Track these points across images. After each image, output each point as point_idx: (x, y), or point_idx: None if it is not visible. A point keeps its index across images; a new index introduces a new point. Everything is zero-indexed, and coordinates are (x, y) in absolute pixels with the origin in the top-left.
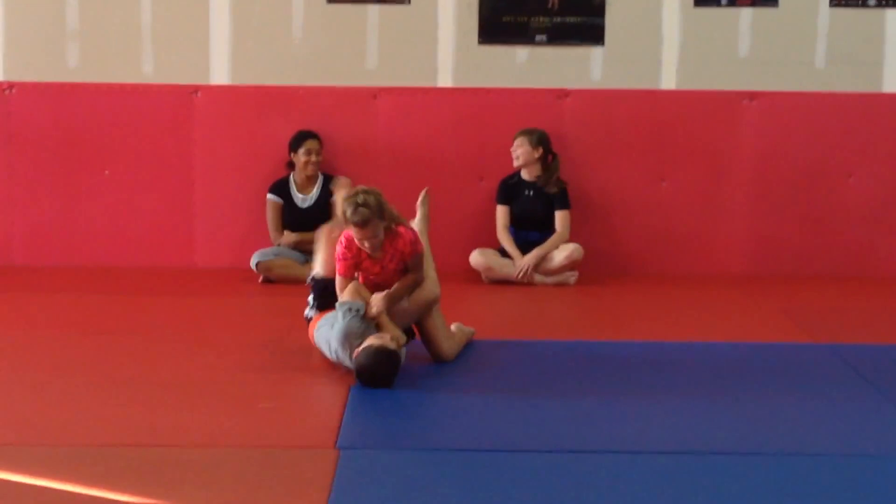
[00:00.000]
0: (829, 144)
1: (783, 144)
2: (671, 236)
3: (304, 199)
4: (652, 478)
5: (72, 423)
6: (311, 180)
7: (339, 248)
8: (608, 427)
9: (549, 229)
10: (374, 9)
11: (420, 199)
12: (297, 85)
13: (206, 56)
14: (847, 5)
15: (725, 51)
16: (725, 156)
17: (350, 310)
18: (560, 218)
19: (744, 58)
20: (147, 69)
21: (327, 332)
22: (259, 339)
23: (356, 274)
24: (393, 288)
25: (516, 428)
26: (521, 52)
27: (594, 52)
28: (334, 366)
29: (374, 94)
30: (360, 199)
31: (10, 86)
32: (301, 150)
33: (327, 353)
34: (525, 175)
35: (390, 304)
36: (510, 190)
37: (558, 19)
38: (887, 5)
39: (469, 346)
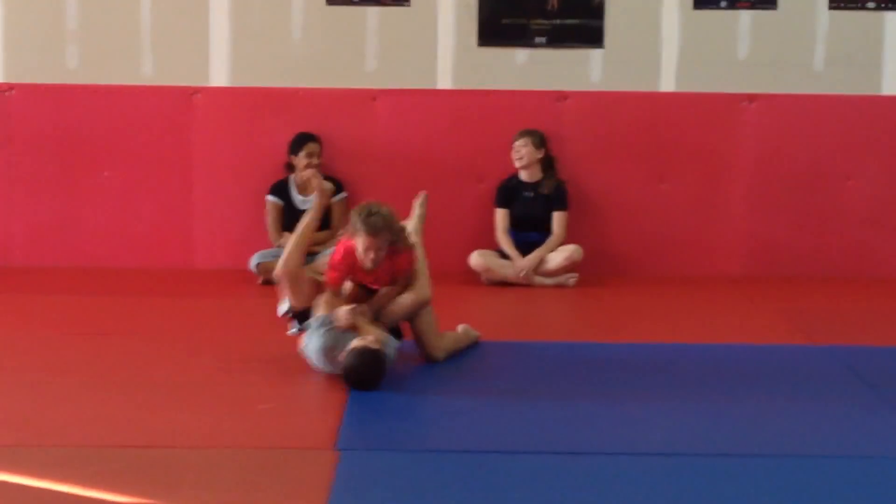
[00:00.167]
0: (828, 146)
1: (782, 146)
2: (670, 238)
3: (304, 200)
4: (650, 479)
5: (70, 424)
6: (310, 182)
7: (334, 257)
8: (607, 428)
9: (548, 230)
10: (373, 11)
11: (420, 200)
12: (296, 87)
13: (206, 58)
14: (846, 8)
15: (725, 53)
16: (724, 158)
17: (322, 324)
18: (557, 219)
19: (743, 60)
20: (146, 71)
21: (311, 345)
22: (258, 341)
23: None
24: (376, 297)
25: (515, 429)
26: (520, 54)
27: (593, 54)
28: None
29: (374, 95)
30: (375, 208)
31: (10, 87)
32: (302, 153)
33: (319, 366)
34: (525, 176)
35: (371, 312)
36: (509, 192)
37: (558, 21)
38: (886, 8)
39: (472, 348)
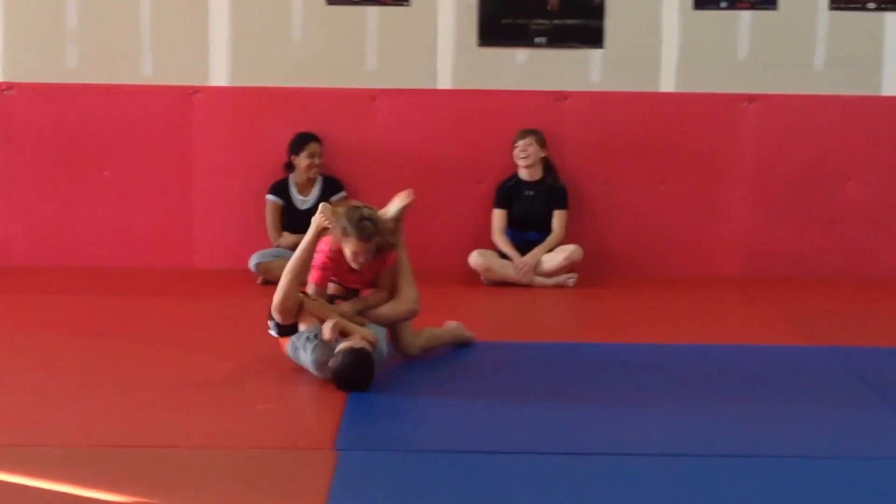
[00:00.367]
0: (828, 147)
1: (782, 147)
2: (670, 238)
3: (304, 200)
4: (649, 480)
5: (69, 424)
6: (310, 182)
7: (319, 257)
8: (606, 429)
9: (548, 229)
10: (373, 10)
11: (401, 198)
12: (296, 86)
13: (206, 57)
14: (846, 8)
15: (725, 53)
16: (724, 158)
17: (309, 339)
18: (558, 217)
19: (743, 60)
20: (146, 70)
21: (302, 356)
22: (258, 341)
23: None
24: (361, 299)
25: (514, 430)
26: (520, 54)
27: (593, 55)
28: None
29: (374, 95)
30: (366, 213)
31: (10, 86)
32: (303, 153)
33: (317, 375)
34: (525, 176)
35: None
36: (509, 192)
37: (558, 21)
38: (886, 8)
39: (461, 347)
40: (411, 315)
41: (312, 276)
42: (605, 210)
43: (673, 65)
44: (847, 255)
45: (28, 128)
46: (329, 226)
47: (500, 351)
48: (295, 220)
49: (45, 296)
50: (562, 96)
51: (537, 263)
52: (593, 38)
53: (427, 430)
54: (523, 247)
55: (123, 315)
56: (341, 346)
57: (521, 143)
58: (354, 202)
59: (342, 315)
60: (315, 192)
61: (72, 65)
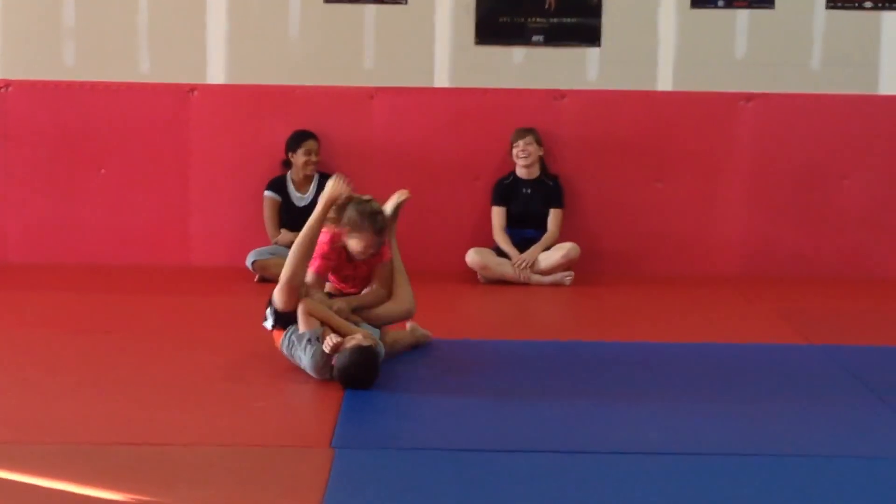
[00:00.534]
0: (826, 146)
1: (779, 146)
2: (667, 237)
3: (301, 197)
4: (646, 479)
5: (66, 422)
6: (308, 179)
7: (322, 247)
8: (604, 427)
9: (544, 227)
10: (370, 8)
11: (396, 197)
12: (293, 84)
13: (203, 55)
14: (843, 7)
15: (722, 52)
16: (721, 157)
17: (310, 342)
18: (554, 216)
19: (740, 59)
20: (144, 68)
21: (299, 355)
22: (254, 338)
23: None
24: (359, 297)
25: (511, 428)
26: (517, 53)
27: (591, 53)
28: None
29: (371, 93)
30: (376, 206)
31: (7, 84)
32: (300, 151)
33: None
34: (522, 174)
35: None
36: (507, 190)
37: (555, 20)
38: (883, 7)
39: (418, 348)
40: (408, 315)
41: (313, 265)
42: (603, 208)
43: (670, 63)
44: (844, 254)
45: (25, 125)
46: (334, 215)
47: (497, 349)
48: (292, 218)
49: (42, 293)
50: (559, 95)
51: (534, 262)
52: (590, 36)
53: (423, 428)
54: (521, 244)
55: (120, 312)
56: (348, 344)
57: (521, 142)
58: (358, 196)
59: (338, 312)
60: (312, 189)
61: (69, 62)
